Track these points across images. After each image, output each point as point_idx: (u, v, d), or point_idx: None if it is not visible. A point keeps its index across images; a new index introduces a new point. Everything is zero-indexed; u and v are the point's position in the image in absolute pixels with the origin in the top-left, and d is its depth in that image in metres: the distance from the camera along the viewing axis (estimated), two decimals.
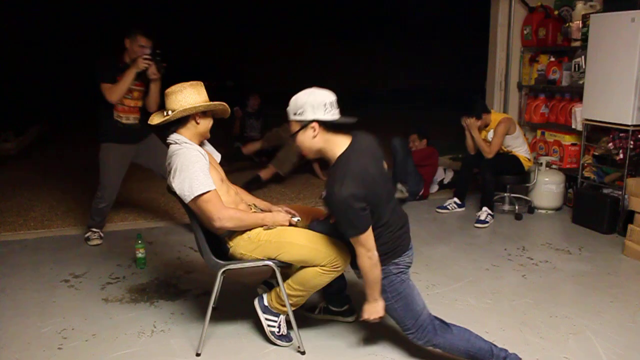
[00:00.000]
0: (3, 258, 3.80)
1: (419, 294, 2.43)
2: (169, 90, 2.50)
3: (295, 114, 2.21)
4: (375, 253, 2.24)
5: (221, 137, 7.34)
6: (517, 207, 4.68)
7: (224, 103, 2.57)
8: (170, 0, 13.26)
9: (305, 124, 2.21)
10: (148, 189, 5.52)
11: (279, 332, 2.62)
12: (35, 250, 3.97)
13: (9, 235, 4.29)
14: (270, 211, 2.67)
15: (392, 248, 2.35)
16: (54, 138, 9.02)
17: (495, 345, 2.34)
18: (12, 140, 7.81)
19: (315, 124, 2.20)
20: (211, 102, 2.52)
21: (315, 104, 2.19)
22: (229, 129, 6.69)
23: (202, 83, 2.55)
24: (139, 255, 3.59)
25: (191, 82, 2.51)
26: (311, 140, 2.23)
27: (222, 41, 14.56)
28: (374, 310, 2.34)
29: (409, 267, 2.43)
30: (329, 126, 2.23)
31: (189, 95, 2.46)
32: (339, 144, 2.25)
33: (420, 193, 5.09)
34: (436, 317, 2.39)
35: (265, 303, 2.62)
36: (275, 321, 2.61)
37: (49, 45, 12.72)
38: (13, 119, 8.54)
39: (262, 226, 2.52)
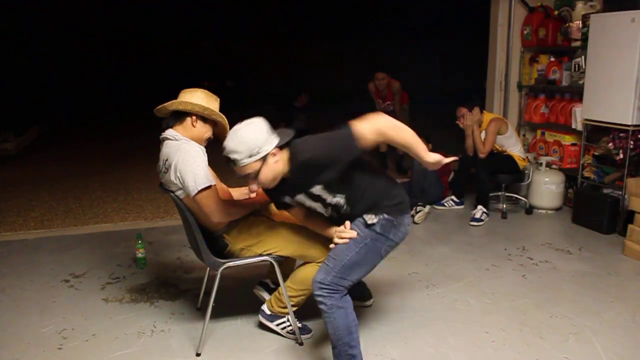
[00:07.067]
0: (3, 258, 3.80)
1: (371, 269, 2.29)
2: (185, 89, 2.54)
3: (251, 156, 2.05)
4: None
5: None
6: (504, 206, 4.68)
7: (224, 117, 2.52)
8: (171, 1, 13.26)
9: (264, 157, 2.07)
10: (148, 188, 5.52)
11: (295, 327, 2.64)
12: (35, 250, 3.97)
13: (9, 235, 4.29)
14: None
15: (404, 201, 2.33)
16: (54, 138, 9.02)
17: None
18: (12, 140, 7.82)
19: (275, 149, 2.08)
20: (213, 110, 2.48)
21: (264, 137, 2.06)
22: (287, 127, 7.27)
23: (218, 99, 2.55)
24: (139, 255, 3.59)
25: (208, 92, 2.52)
26: (274, 166, 2.09)
27: (222, 41, 14.56)
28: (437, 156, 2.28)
29: (399, 243, 2.31)
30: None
31: (196, 97, 2.47)
32: (285, 159, 2.13)
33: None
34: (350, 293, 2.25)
35: (268, 312, 2.67)
36: (286, 321, 2.65)
37: (49, 45, 12.72)
38: (13, 119, 8.53)
39: (256, 212, 2.60)
